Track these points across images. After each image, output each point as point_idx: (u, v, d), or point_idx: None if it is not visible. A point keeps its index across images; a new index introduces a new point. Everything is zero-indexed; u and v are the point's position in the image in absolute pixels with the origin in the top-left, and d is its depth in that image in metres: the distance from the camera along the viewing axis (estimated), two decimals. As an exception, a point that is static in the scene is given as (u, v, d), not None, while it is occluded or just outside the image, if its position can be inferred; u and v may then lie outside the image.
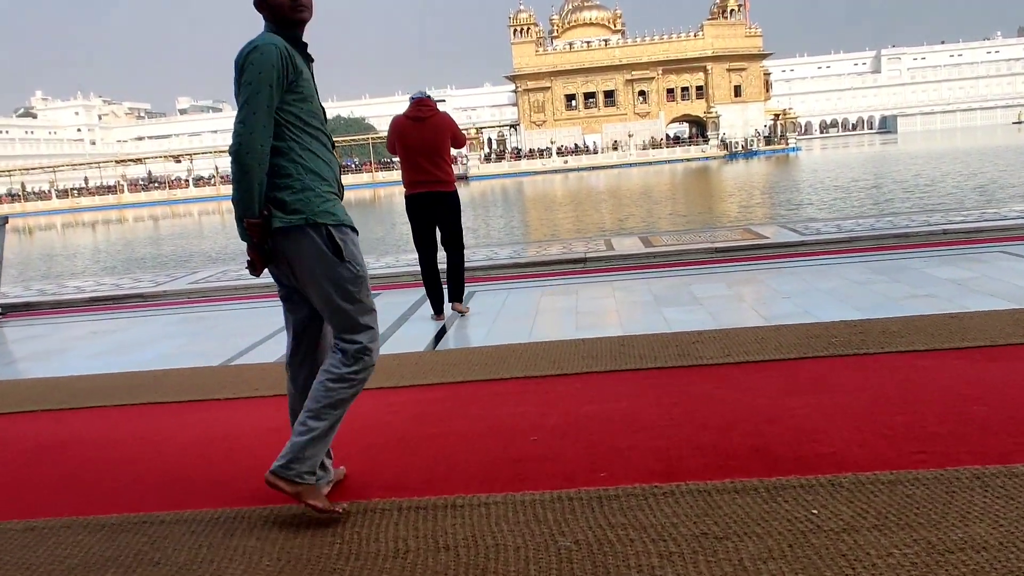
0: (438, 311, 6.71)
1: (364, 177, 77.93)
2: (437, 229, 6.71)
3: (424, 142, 6.37)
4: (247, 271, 3.04)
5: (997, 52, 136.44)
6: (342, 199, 3.00)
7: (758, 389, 4.02)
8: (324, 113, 2.99)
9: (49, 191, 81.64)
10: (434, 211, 6.58)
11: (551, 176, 64.07)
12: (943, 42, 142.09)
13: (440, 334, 6.34)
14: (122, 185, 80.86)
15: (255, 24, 2.99)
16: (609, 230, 20.79)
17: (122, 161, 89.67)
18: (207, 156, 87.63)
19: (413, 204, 6.59)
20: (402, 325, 6.68)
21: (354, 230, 2.94)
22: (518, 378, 4.58)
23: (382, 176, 77.53)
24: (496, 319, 6.54)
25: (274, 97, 2.72)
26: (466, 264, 7.49)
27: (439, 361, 5.18)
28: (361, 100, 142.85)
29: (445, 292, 6.83)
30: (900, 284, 6.45)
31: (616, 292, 7.20)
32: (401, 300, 7.68)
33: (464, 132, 6.98)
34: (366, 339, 2.89)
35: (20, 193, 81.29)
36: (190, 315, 7.94)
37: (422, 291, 7.09)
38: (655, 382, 4.30)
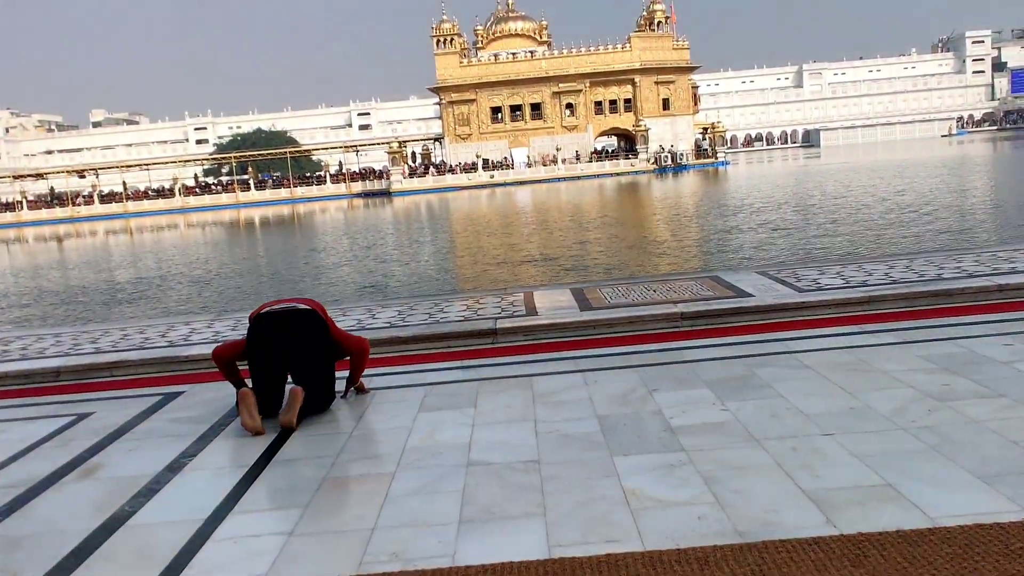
0: (260, 413, 4.47)
1: (283, 193, 74.11)
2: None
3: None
4: None
5: (914, 68, 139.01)
6: None
7: None
8: None
9: (-62, 209, 75.26)
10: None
11: (477, 192, 61.33)
12: (861, 57, 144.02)
13: (252, 472, 3.61)
14: (21, 202, 75.01)
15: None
16: (537, 263, 18.22)
17: (20, 176, 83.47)
18: (113, 171, 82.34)
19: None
20: (196, 457, 3.87)
21: None
22: None
23: (301, 192, 74.01)
24: (326, 478, 3.74)
25: None
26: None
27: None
28: (283, 113, 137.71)
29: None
30: (1006, 403, 3.88)
31: (538, 406, 4.45)
32: (215, 397, 4.85)
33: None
34: None
35: (-96, 212, 74.78)
36: None
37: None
38: None
